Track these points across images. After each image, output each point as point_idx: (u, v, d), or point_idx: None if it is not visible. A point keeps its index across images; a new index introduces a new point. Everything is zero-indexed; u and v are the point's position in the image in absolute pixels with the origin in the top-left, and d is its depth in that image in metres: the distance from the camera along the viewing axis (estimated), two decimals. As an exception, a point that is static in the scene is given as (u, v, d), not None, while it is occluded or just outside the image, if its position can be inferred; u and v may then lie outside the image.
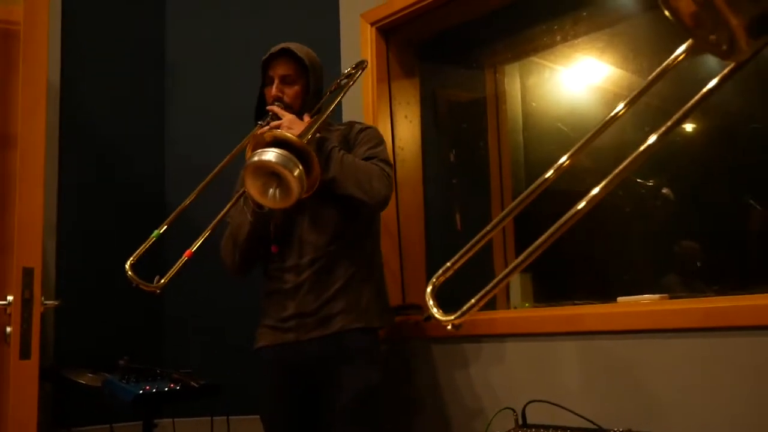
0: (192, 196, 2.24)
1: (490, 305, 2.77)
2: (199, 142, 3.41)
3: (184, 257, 2.16)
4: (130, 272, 2.08)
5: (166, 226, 2.20)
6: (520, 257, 1.19)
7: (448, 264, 1.32)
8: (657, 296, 2.21)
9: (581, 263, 2.95)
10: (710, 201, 2.71)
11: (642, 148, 1.12)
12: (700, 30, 0.93)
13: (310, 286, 2.25)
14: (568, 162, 1.28)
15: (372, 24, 3.01)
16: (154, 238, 2.16)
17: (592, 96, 3.10)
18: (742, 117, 2.60)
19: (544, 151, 3.22)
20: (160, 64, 3.64)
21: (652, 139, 1.12)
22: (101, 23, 3.43)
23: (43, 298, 2.13)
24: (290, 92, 2.34)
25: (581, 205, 1.15)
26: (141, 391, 2.36)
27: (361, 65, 2.59)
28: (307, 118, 2.26)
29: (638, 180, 2.70)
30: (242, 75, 3.48)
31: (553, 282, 2.97)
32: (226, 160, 2.27)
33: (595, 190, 1.15)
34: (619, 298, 2.29)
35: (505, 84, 3.25)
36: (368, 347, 2.26)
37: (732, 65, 0.98)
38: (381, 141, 2.40)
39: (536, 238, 1.18)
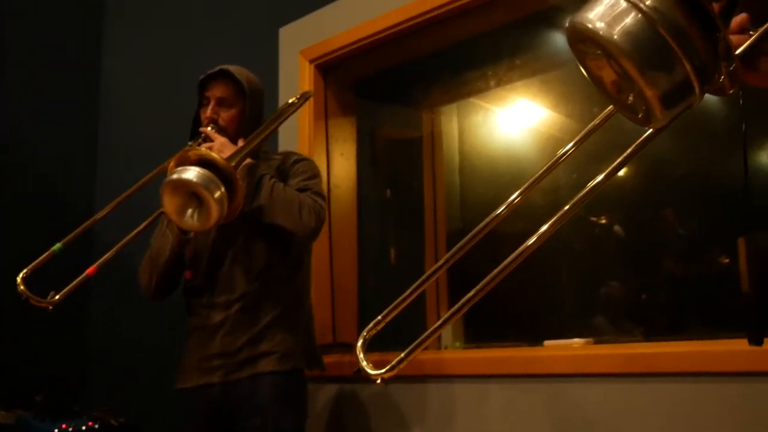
0: (106, 210, 2.20)
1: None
2: (131, 165, 3.35)
3: (86, 274, 2.08)
4: (21, 286, 1.98)
5: (69, 239, 2.14)
6: (460, 302, 1.17)
7: (379, 318, 1.31)
8: (582, 340, 2.24)
9: (513, 304, 2.97)
10: (638, 244, 2.77)
11: (587, 188, 1.13)
12: (621, 96, 0.96)
13: (235, 324, 2.17)
14: (519, 199, 1.30)
15: (311, 61, 3.01)
16: (56, 251, 2.08)
17: (527, 138, 3.16)
18: (669, 162, 2.67)
19: (480, 191, 3.25)
20: (94, 86, 3.58)
21: (599, 178, 1.13)
22: (35, 40, 3.36)
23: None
24: (226, 115, 2.27)
25: (531, 240, 1.15)
26: (56, 431, 2.27)
27: (305, 96, 2.52)
28: (241, 144, 2.17)
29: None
30: (176, 101, 3.44)
31: (485, 322, 2.98)
32: (147, 177, 2.21)
33: (544, 227, 1.15)
34: (546, 342, 2.32)
35: (442, 124, 3.28)
36: (292, 391, 2.19)
37: (649, 131, 1.02)
38: (316, 174, 2.34)
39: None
